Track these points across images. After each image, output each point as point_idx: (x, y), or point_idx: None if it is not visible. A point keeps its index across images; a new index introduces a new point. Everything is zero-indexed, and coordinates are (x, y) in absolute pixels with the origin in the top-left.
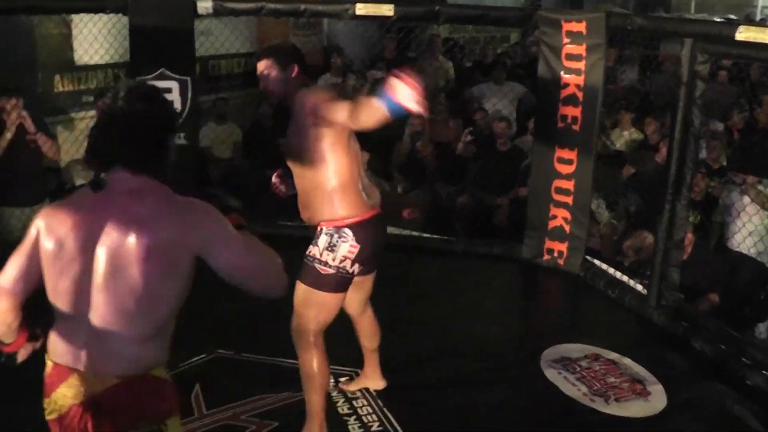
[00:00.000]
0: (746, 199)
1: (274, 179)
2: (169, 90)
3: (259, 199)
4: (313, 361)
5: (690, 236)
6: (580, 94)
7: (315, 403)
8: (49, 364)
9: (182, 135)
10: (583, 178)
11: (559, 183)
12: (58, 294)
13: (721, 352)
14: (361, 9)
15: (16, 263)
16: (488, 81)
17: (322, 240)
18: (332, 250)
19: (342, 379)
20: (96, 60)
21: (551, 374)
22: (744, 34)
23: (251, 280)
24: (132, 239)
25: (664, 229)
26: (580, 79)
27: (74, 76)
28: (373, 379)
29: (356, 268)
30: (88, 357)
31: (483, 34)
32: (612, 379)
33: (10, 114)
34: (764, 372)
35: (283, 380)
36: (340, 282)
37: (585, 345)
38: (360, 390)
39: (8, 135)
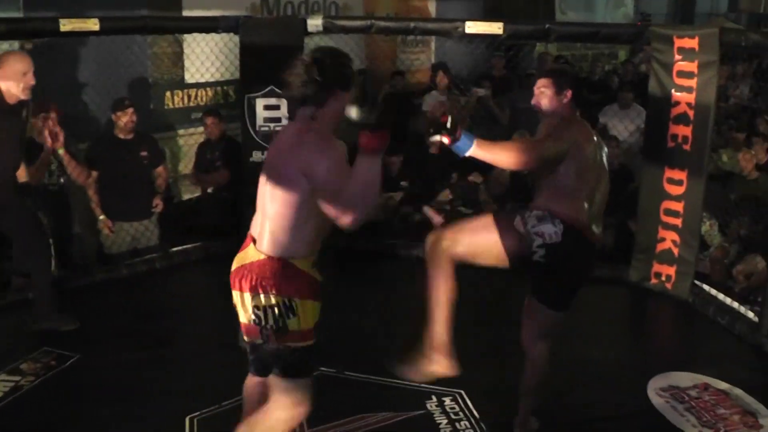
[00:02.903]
0: None
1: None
2: (277, 107)
3: None
4: (441, 280)
5: None
6: (691, 113)
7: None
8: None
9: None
10: (693, 200)
11: (668, 204)
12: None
13: None
14: (471, 27)
15: None
16: (604, 101)
17: (534, 215)
18: (541, 223)
19: None
20: (206, 78)
21: (659, 403)
22: None
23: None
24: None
25: None
26: (691, 97)
27: (184, 93)
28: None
29: (541, 252)
30: (258, 236)
31: (591, 51)
32: (722, 411)
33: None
34: None
35: (386, 400)
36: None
37: (694, 374)
38: (463, 411)
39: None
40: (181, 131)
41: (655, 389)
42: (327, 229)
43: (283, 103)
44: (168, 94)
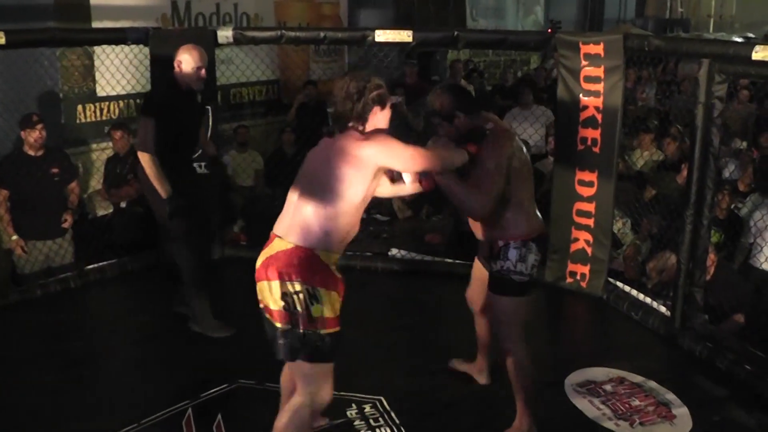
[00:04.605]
0: None
1: None
2: None
3: None
4: (523, 354)
5: (712, 256)
6: (599, 116)
7: (530, 390)
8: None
9: (203, 164)
10: (604, 201)
11: (580, 206)
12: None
13: (746, 374)
14: (380, 35)
15: None
16: (515, 106)
17: (513, 254)
18: (524, 261)
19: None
20: (118, 91)
21: (576, 398)
22: (761, 53)
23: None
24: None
25: (686, 250)
26: (599, 101)
27: (96, 106)
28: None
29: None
30: (287, 229)
31: (503, 58)
32: (637, 403)
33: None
34: None
35: None
36: (530, 286)
37: (609, 368)
38: (383, 417)
39: None
40: (93, 146)
41: (572, 385)
42: (353, 236)
43: None
44: (79, 107)
